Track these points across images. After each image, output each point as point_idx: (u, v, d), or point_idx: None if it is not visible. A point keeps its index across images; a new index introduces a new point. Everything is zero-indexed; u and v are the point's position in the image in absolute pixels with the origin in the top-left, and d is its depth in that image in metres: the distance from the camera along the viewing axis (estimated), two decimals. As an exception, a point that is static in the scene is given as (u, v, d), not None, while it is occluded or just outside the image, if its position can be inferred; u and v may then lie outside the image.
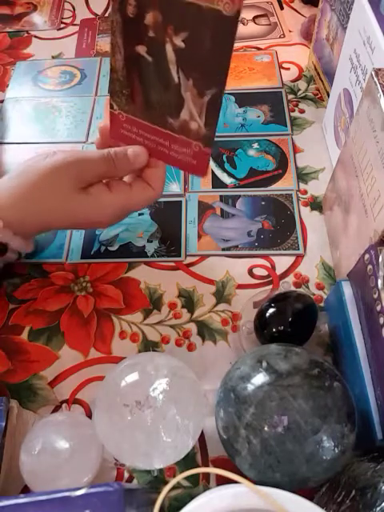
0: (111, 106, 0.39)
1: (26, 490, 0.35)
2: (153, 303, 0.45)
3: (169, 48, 0.32)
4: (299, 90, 0.62)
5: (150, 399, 0.32)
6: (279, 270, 0.47)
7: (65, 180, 0.39)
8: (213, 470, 0.32)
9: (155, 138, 0.38)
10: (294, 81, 0.63)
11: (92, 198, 0.40)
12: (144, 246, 0.49)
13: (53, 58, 0.69)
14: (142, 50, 0.33)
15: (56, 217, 0.41)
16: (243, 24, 0.71)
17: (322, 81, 0.60)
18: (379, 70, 0.34)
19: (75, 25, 0.73)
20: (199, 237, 0.49)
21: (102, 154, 0.40)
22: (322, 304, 0.44)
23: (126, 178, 0.43)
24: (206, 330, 0.43)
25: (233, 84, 0.63)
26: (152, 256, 0.48)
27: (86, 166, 0.40)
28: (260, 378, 0.31)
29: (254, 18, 0.71)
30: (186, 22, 0.30)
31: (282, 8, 0.73)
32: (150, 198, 0.42)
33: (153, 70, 0.34)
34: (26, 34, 0.72)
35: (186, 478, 0.36)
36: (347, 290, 0.37)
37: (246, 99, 0.61)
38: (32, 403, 0.40)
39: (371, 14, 0.40)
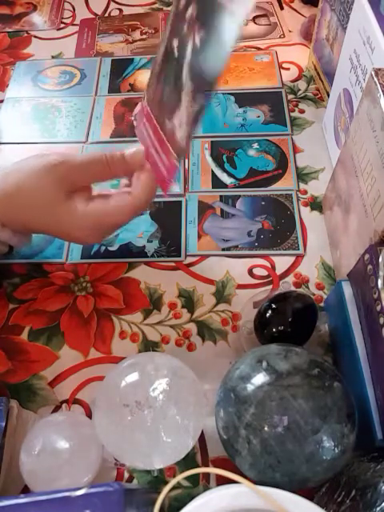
0: (143, 98, 0.38)
1: (25, 490, 0.35)
2: (153, 303, 0.45)
3: (190, 45, 0.31)
4: (299, 90, 0.62)
5: (150, 399, 0.32)
6: (279, 270, 0.47)
7: (50, 181, 0.37)
8: (213, 470, 0.32)
9: (154, 138, 0.37)
10: (293, 81, 0.63)
11: (71, 206, 0.38)
12: (144, 246, 0.49)
13: (53, 57, 0.69)
14: (175, 43, 0.32)
15: (36, 220, 0.39)
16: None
17: (321, 81, 0.60)
18: (379, 69, 0.34)
19: (75, 25, 0.73)
20: (199, 237, 0.49)
21: (95, 155, 0.39)
22: (322, 304, 0.44)
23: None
24: (206, 330, 0.43)
25: (233, 84, 0.63)
26: (152, 256, 0.48)
27: (75, 167, 0.38)
28: (260, 378, 0.30)
29: (254, 18, 0.71)
30: (207, 18, 0.29)
31: (282, 8, 0.73)
32: (128, 208, 0.39)
33: (174, 66, 0.33)
34: (25, 34, 0.72)
35: (186, 478, 0.36)
36: (347, 290, 0.37)
37: (246, 99, 0.61)
38: (32, 403, 0.40)
39: (371, 13, 0.40)
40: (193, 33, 0.30)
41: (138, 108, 0.39)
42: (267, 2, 0.73)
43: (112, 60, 0.67)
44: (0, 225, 0.39)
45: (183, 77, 0.32)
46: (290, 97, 0.61)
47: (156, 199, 0.52)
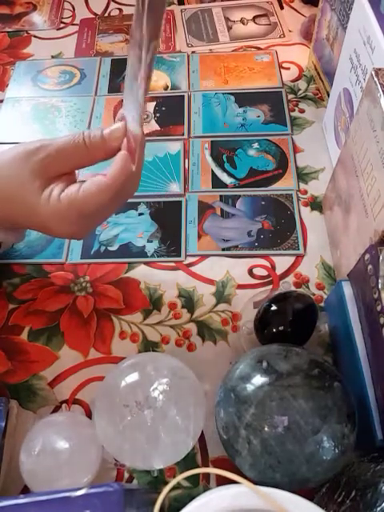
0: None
1: (25, 490, 0.35)
2: (153, 303, 0.45)
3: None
4: (299, 89, 0.62)
5: (150, 399, 0.32)
6: (279, 270, 0.47)
7: (26, 169, 0.34)
8: (213, 470, 0.32)
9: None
10: (294, 81, 0.63)
11: (45, 196, 0.35)
12: (144, 246, 0.49)
13: (52, 57, 0.69)
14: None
15: (17, 210, 0.36)
16: (243, 24, 0.71)
17: (322, 81, 0.60)
18: (379, 69, 0.34)
19: (75, 24, 0.73)
20: (199, 237, 0.49)
21: (71, 136, 0.35)
22: (322, 304, 0.44)
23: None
24: (206, 330, 0.43)
25: (233, 84, 0.63)
26: (152, 256, 0.48)
27: (52, 152, 0.35)
28: (260, 378, 0.30)
29: (254, 18, 0.71)
30: None
31: (282, 8, 0.73)
32: (107, 188, 0.34)
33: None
34: (25, 34, 0.72)
35: (186, 479, 0.36)
36: (347, 290, 0.37)
37: (246, 99, 0.61)
38: (32, 403, 0.40)
39: (371, 13, 0.40)
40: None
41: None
42: (267, 2, 0.73)
43: (112, 60, 0.67)
44: None
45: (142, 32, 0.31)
46: (290, 96, 0.61)
47: (156, 199, 0.52)
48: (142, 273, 0.47)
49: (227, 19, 0.71)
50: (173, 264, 0.48)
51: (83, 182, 0.36)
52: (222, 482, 0.32)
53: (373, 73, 0.34)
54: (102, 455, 0.34)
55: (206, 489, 0.36)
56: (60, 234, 0.38)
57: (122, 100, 0.36)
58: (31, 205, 0.35)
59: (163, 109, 0.61)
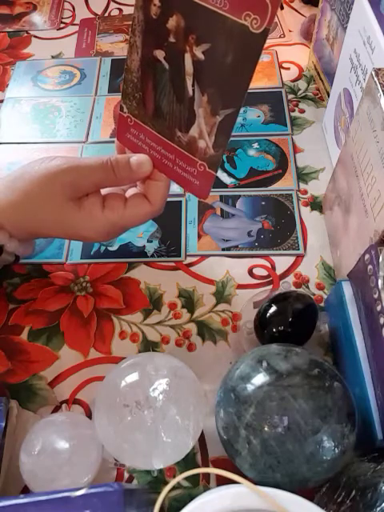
0: (121, 108, 0.37)
1: (25, 490, 0.35)
2: (153, 303, 0.45)
3: (188, 58, 0.30)
4: (299, 89, 0.62)
5: (150, 399, 0.32)
6: (279, 270, 0.47)
7: (58, 188, 0.37)
8: (213, 470, 0.32)
9: (161, 149, 0.37)
10: (293, 80, 0.63)
11: (85, 212, 0.38)
12: (144, 246, 0.49)
13: (52, 57, 0.69)
14: (160, 54, 0.31)
15: (47, 226, 0.39)
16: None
17: (322, 80, 0.60)
18: (379, 69, 0.34)
19: (75, 24, 0.73)
20: (199, 237, 0.49)
21: (101, 161, 0.38)
22: (322, 304, 0.44)
23: (129, 191, 0.42)
24: (206, 330, 0.43)
25: (233, 84, 0.63)
26: (152, 256, 0.48)
27: (82, 174, 0.37)
28: (260, 378, 0.30)
29: (254, 18, 0.71)
30: (209, 32, 0.27)
31: (281, 8, 0.73)
32: (146, 214, 0.40)
33: (168, 78, 0.32)
34: (25, 34, 0.72)
35: (186, 479, 0.36)
36: (347, 290, 0.37)
37: (245, 99, 0.61)
38: (32, 403, 0.40)
39: (371, 13, 0.40)
40: (189, 45, 0.29)
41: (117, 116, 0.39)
42: (267, 2, 0.73)
43: (112, 60, 0.67)
44: (8, 235, 0.39)
45: (188, 89, 0.31)
46: (290, 96, 0.61)
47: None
48: (142, 273, 0.47)
49: (227, 19, 0.71)
50: (173, 264, 0.48)
51: (123, 197, 0.40)
52: (222, 481, 0.32)
53: (373, 73, 0.34)
54: (102, 455, 0.34)
55: (206, 489, 0.36)
56: (93, 240, 0.42)
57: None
58: (65, 220, 0.38)
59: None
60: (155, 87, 0.33)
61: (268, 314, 0.38)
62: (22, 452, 0.33)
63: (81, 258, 0.48)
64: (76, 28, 0.73)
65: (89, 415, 0.39)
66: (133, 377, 0.34)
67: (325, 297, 0.45)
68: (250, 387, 0.30)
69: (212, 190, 0.52)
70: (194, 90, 0.31)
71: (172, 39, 0.30)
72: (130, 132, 0.38)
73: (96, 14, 0.75)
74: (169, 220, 0.50)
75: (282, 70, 0.64)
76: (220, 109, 0.30)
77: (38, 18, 0.74)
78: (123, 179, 0.39)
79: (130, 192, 0.41)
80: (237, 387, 0.31)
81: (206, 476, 0.37)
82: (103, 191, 0.40)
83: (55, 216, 0.38)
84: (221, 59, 0.28)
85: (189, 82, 0.31)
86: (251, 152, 0.56)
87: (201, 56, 0.29)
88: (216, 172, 0.34)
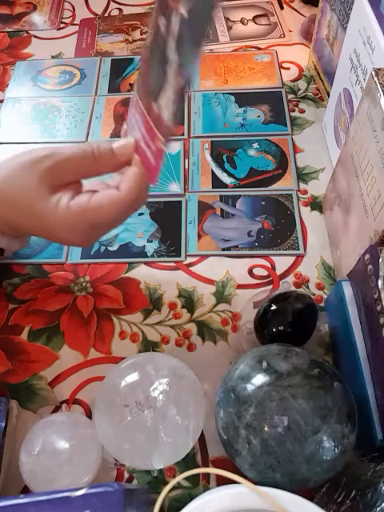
0: (135, 90, 0.35)
1: (26, 490, 0.35)
2: (153, 303, 0.45)
3: (175, 19, 0.29)
4: (299, 89, 0.62)
5: (150, 399, 0.32)
6: (279, 270, 0.47)
7: (35, 176, 0.34)
8: (213, 470, 0.32)
9: (142, 127, 0.34)
10: (294, 81, 0.63)
11: (54, 201, 0.35)
12: (144, 246, 0.49)
13: (52, 57, 0.69)
14: (161, 22, 0.30)
15: (23, 217, 0.36)
16: (243, 24, 0.71)
17: (322, 81, 0.60)
18: (379, 69, 0.34)
19: (75, 24, 0.73)
20: (199, 237, 0.49)
21: (81, 147, 0.35)
22: (322, 304, 0.44)
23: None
24: (206, 330, 0.43)
25: (233, 84, 0.63)
26: (152, 256, 0.48)
27: (61, 159, 0.35)
28: (260, 378, 0.30)
29: (254, 18, 0.71)
30: None
31: (282, 8, 0.73)
32: (113, 203, 0.35)
33: (161, 44, 0.31)
34: (25, 34, 0.72)
35: (186, 479, 0.36)
36: (347, 290, 0.37)
37: (246, 99, 0.61)
38: (32, 403, 0.40)
39: (371, 14, 0.40)
40: (178, 4, 0.28)
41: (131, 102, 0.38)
42: (267, 2, 0.73)
43: (112, 60, 0.67)
44: None
45: (168, 52, 0.30)
46: (290, 96, 0.61)
47: (156, 199, 0.52)
48: (142, 273, 0.47)
49: (227, 19, 0.71)
50: (173, 264, 0.48)
51: (94, 191, 0.36)
52: (222, 481, 0.33)
53: (373, 73, 0.34)
54: (102, 455, 0.34)
55: (206, 489, 0.36)
56: (66, 241, 0.38)
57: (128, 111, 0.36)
58: (38, 210, 0.35)
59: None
60: (152, 57, 0.32)
61: (268, 314, 0.38)
62: (21, 452, 0.33)
63: (81, 258, 0.48)
64: (76, 28, 0.73)
65: (89, 415, 0.39)
66: (133, 377, 0.34)
67: (325, 297, 0.45)
68: (249, 387, 0.30)
69: (212, 190, 0.53)
70: (171, 51, 0.30)
71: (170, 2, 0.29)
72: (132, 113, 0.37)
73: (96, 14, 0.75)
74: (169, 220, 0.50)
75: (282, 70, 0.64)
76: (184, 69, 0.29)
77: (37, 18, 0.74)
78: (104, 165, 0.36)
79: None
80: (237, 387, 0.31)
81: (206, 476, 0.37)
82: (86, 186, 0.38)
83: (29, 207, 0.35)
84: (196, 17, 0.28)
85: (171, 43, 0.30)
86: (251, 152, 0.56)
87: (185, 13, 0.28)
88: (166, 147, 0.32)
